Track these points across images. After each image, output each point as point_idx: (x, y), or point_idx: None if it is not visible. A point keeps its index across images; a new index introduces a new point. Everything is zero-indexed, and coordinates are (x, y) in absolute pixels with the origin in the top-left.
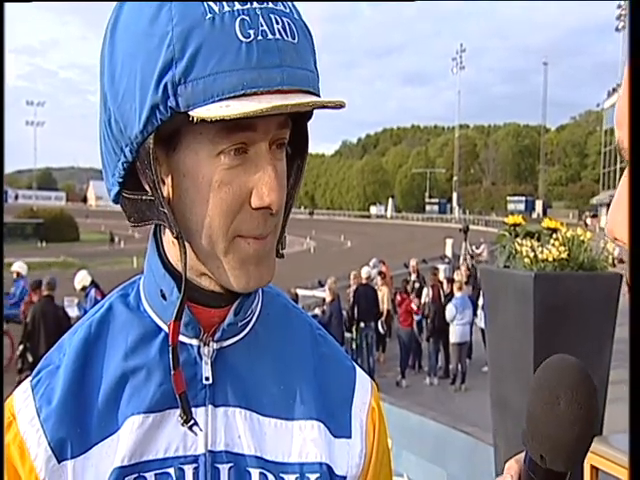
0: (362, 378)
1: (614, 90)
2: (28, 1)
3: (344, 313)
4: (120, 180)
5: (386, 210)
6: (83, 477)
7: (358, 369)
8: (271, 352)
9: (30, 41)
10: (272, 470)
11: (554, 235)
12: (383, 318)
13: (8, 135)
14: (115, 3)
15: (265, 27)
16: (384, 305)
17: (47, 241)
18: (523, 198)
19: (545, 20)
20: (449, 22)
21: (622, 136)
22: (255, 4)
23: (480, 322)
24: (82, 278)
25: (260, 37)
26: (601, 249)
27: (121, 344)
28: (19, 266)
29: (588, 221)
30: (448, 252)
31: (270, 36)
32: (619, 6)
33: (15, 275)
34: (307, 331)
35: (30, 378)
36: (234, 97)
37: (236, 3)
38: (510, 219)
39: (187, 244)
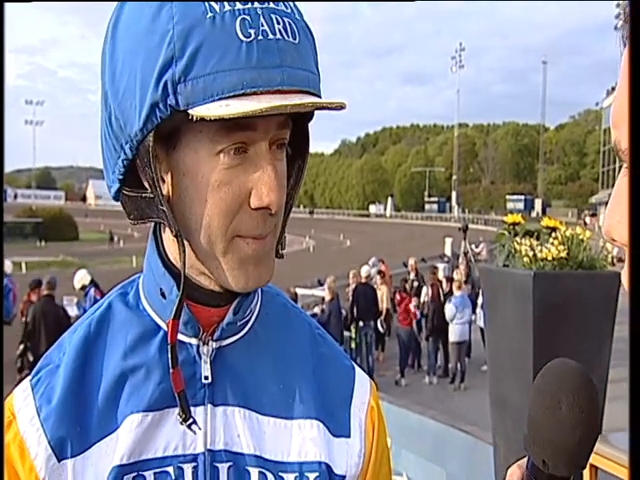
0: (361, 377)
1: (613, 89)
2: (28, 1)
3: (343, 312)
4: (120, 177)
5: (385, 209)
6: (83, 476)
7: (357, 368)
8: (270, 351)
9: (30, 40)
10: (271, 469)
11: (553, 234)
12: (382, 317)
13: (7, 134)
14: (116, 3)
15: (266, 27)
16: (383, 304)
17: (46, 240)
18: (522, 197)
19: (544, 19)
20: (449, 22)
21: (619, 136)
22: (256, 4)
23: (479, 321)
24: (82, 277)
25: (261, 37)
26: (600, 248)
27: (120, 343)
28: (6, 265)
29: (587, 220)
30: (447, 251)
31: (271, 36)
32: (618, 5)
33: None
34: (306, 330)
35: (30, 377)
36: (234, 96)
37: (237, 3)
38: (509, 218)
39: (186, 243)
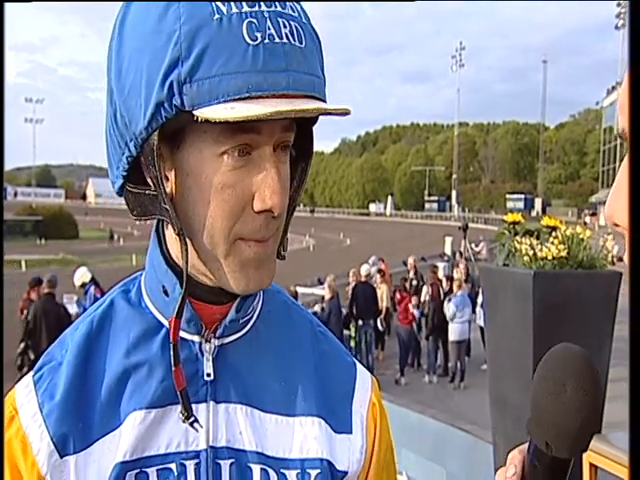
0: (362, 374)
1: (613, 88)
2: (28, 1)
3: (343, 311)
4: (124, 174)
5: (385, 208)
6: (85, 472)
7: (359, 365)
8: (272, 349)
9: (30, 38)
10: (273, 466)
11: (553, 233)
12: (382, 316)
13: (7, 132)
14: (121, 2)
15: (272, 30)
16: (383, 303)
17: (46, 238)
18: (522, 196)
19: (545, 19)
20: (449, 21)
21: (624, 121)
22: (263, 7)
23: (479, 320)
24: (82, 274)
25: (267, 40)
26: (600, 247)
27: (123, 340)
28: None
29: (587, 219)
30: (447, 250)
31: (277, 40)
32: (619, 4)
33: None
34: (307, 328)
35: (32, 373)
36: (239, 99)
37: (244, 5)
38: (509, 217)
39: (188, 242)
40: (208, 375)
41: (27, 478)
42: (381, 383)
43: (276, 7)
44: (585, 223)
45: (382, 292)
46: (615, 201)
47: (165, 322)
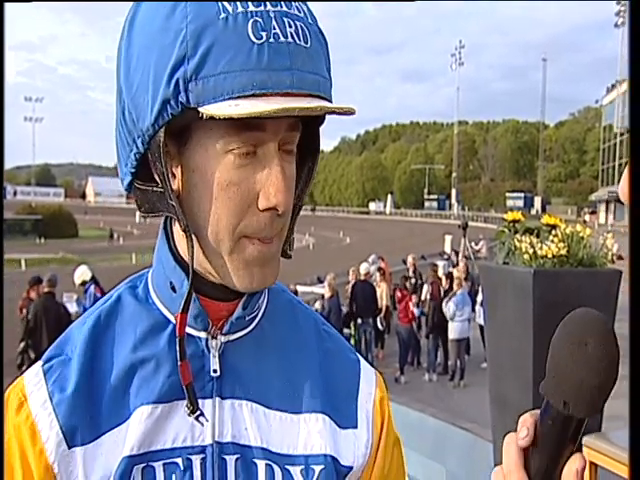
0: (366, 370)
1: (613, 86)
2: (28, 1)
3: (343, 309)
4: (132, 170)
5: (385, 206)
6: (92, 465)
7: (362, 362)
8: (277, 347)
9: (29, 37)
10: (278, 462)
11: (553, 231)
12: (382, 314)
13: (6, 131)
14: (119, 2)
15: (277, 30)
16: (383, 301)
17: (46, 237)
18: (522, 194)
19: (544, 17)
20: (449, 19)
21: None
22: (269, 6)
23: (479, 318)
24: (82, 272)
25: (272, 39)
26: (600, 245)
27: (130, 335)
28: None
29: (587, 217)
30: (447, 248)
31: (282, 39)
32: (618, 2)
33: None
34: (312, 326)
35: (41, 363)
36: (243, 97)
37: (250, 4)
38: (509, 215)
39: (195, 238)
40: (214, 371)
41: (35, 466)
42: None
43: (282, 7)
44: (585, 221)
45: (382, 291)
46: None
47: (172, 318)
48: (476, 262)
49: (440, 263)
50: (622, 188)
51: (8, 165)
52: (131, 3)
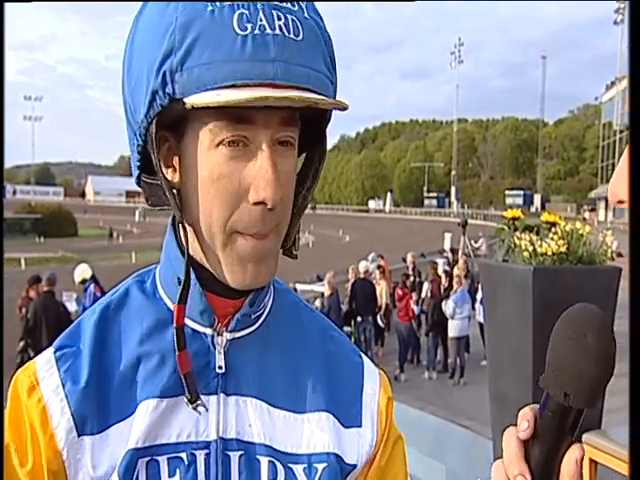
0: (370, 371)
1: (612, 83)
2: (28, 1)
3: (343, 307)
4: (138, 164)
5: (384, 204)
6: (100, 456)
7: (366, 363)
8: (282, 346)
9: (29, 36)
10: (281, 459)
11: (553, 229)
12: (382, 312)
13: (6, 130)
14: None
15: (264, 22)
16: (382, 299)
17: (45, 236)
18: (521, 192)
19: (544, 14)
20: (448, 18)
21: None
22: None
23: (478, 316)
24: (83, 271)
25: (257, 31)
26: (600, 243)
27: (137, 329)
28: None
29: (586, 215)
30: (447, 246)
31: (268, 31)
32: None
33: None
34: (316, 328)
35: (52, 350)
36: (226, 87)
37: None
38: (509, 213)
39: (193, 231)
40: (220, 368)
41: (44, 449)
42: None
43: (272, 0)
44: (584, 219)
45: (381, 288)
46: (619, 180)
47: None
48: (476, 260)
49: (439, 261)
50: (611, 189)
51: (7, 164)
52: (131, 3)
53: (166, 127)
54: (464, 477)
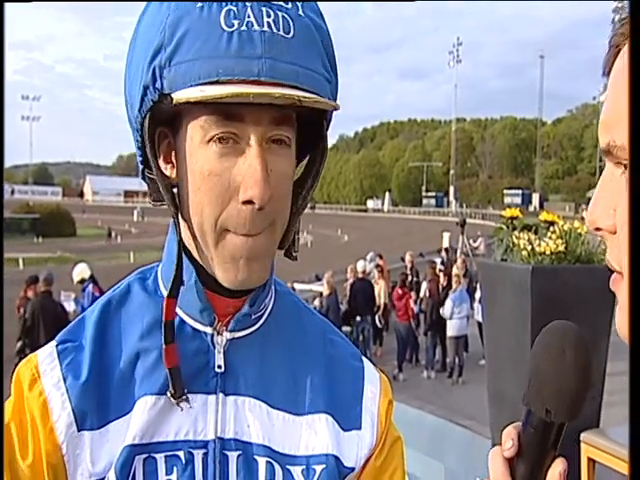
0: (370, 374)
1: None
2: (29, 1)
3: (341, 307)
4: (140, 159)
5: (383, 204)
6: (99, 451)
7: (368, 367)
8: (282, 347)
9: (27, 36)
10: (279, 460)
11: (551, 228)
12: (380, 312)
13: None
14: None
15: (252, 19)
16: (381, 299)
17: (43, 236)
18: (520, 191)
19: (542, 14)
20: (447, 18)
21: (613, 137)
22: None
23: (477, 315)
24: (82, 270)
25: (244, 27)
26: (598, 242)
27: (137, 325)
28: None
29: (584, 214)
30: (445, 246)
31: (256, 27)
32: None
33: None
34: (318, 331)
35: (54, 344)
36: (210, 83)
37: None
38: (507, 212)
39: (189, 228)
40: (219, 367)
41: (44, 442)
42: None
43: None
44: (582, 218)
45: (380, 288)
46: (596, 208)
47: (179, 311)
48: (474, 259)
49: (438, 260)
50: (590, 216)
51: (6, 164)
52: (129, 3)
53: (164, 123)
54: (463, 476)
